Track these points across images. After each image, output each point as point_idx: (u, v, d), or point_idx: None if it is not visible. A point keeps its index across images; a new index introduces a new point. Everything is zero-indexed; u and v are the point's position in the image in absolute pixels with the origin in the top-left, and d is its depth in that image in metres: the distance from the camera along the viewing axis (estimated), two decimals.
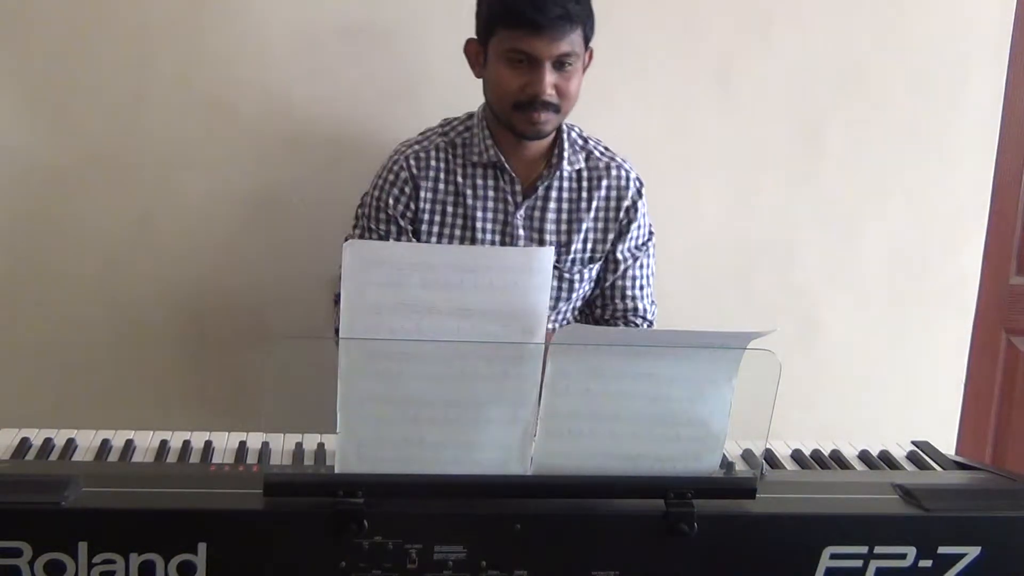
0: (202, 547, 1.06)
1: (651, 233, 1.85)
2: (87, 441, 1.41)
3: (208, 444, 1.42)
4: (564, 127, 1.75)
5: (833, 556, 1.15)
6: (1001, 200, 2.37)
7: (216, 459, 1.38)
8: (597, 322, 1.82)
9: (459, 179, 1.74)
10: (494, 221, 1.75)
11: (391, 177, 1.74)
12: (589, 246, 1.79)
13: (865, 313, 2.35)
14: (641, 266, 1.83)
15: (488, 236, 1.75)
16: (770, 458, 1.48)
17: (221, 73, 2.05)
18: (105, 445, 1.39)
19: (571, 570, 1.13)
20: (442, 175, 1.74)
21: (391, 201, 1.73)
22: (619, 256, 1.80)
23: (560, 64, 1.62)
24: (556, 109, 1.65)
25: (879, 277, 2.34)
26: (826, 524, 1.16)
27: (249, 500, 1.09)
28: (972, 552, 1.16)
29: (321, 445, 1.42)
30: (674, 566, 1.14)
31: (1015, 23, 2.28)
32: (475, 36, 1.70)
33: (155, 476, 1.27)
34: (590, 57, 1.71)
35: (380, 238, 1.74)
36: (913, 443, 1.55)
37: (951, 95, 2.28)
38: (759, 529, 1.15)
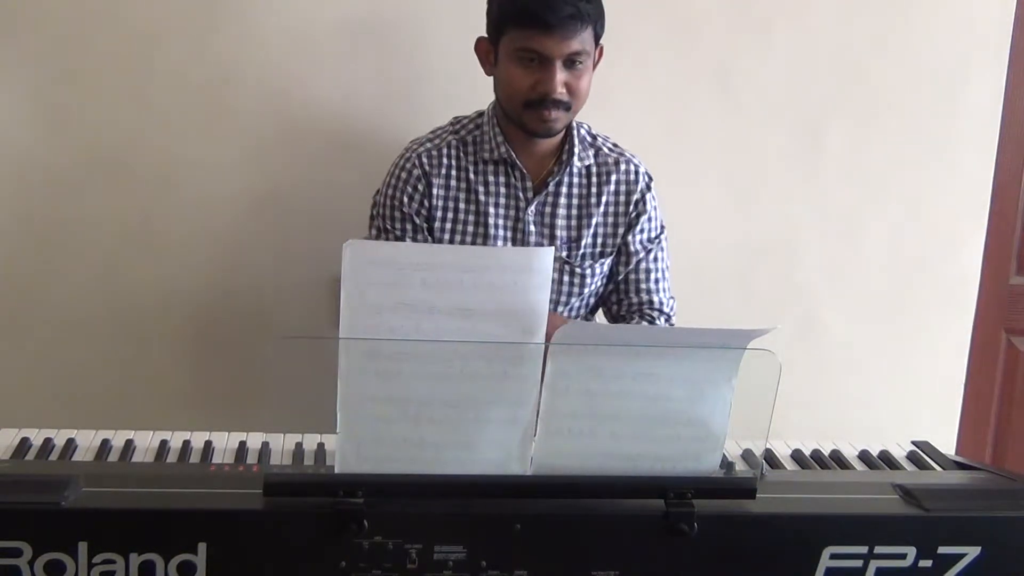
0: (202, 547, 1.06)
1: (663, 227, 1.86)
2: (87, 441, 1.40)
3: (208, 444, 1.42)
4: (573, 124, 1.76)
5: (833, 556, 1.15)
6: (1001, 200, 2.37)
7: (216, 459, 1.38)
8: (615, 318, 1.83)
9: (471, 176, 1.75)
10: (506, 217, 1.76)
11: (403, 175, 1.75)
12: (599, 240, 1.80)
13: (865, 313, 2.35)
14: (655, 259, 1.83)
15: (500, 232, 1.76)
16: (770, 458, 1.48)
17: (221, 73, 2.06)
18: (105, 445, 1.39)
19: (571, 570, 1.12)
20: (454, 172, 1.75)
21: (405, 199, 1.74)
22: (631, 249, 1.81)
23: (571, 62, 1.64)
24: (567, 107, 1.66)
25: (879, 277, 2.34)
26: (826, 524, 1.16)
27: (249, 500, 1.09)
28: (972, 552, 1.16)
29: (321, 445, 1.42)
30: (674, 566, 1.13)
31: (1015, 23, 2.28)
32: (485, 35, 1.71)
33: (155, 476, 1.27)
34: (600, 54, 1.72)
35: (397, 238, 1.75)
36: (913, 443, 1.55)
37: (951, 95, 2.28)
38: (759, 529, 1.15)
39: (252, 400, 2.04)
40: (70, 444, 1.39)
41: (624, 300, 1.82)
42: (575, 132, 1.77)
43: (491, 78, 1.74)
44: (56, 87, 2.02)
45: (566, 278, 1.79)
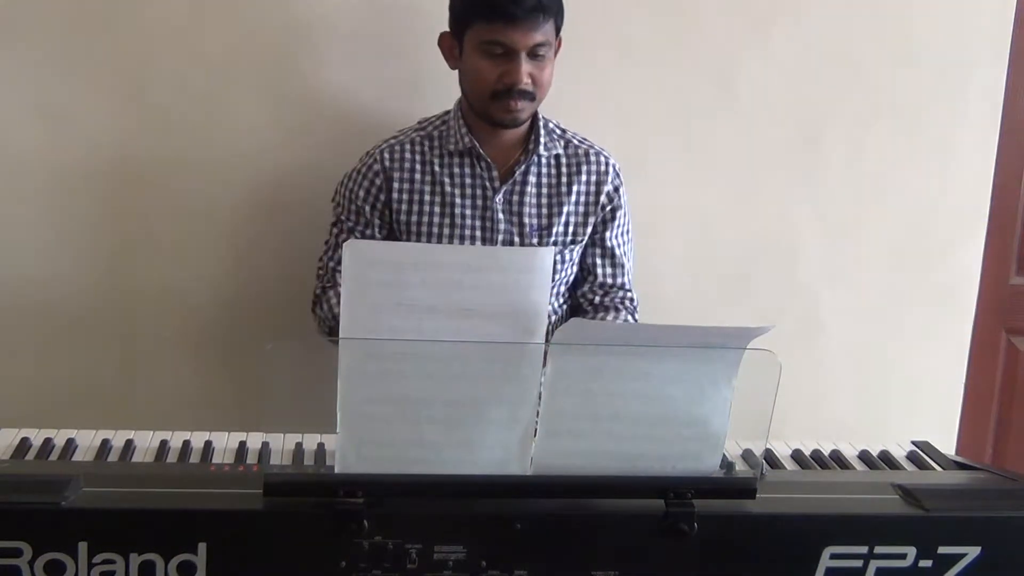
0: (202, 547, 1.06)
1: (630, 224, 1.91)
2: (87, 441, 1.41)
3: (208, 444, 1.42)
4: (540, 117, 1.80)
5: (833, 556, 1.15)
6: (1001, 200, 2.37)
7: (216, 459, 1.38)
8: (596, 309, 1.86)
9: (436, 168, 1.79)
10: (473, 207, 1.78)
11: (363, 169, 1.81)
12: (570, 229, 1.83)
13: (865, 313, 2.35)
14: (627, 254, 1.89)
15: (468, 222, 1.79)
16: (770, 458, 1.48)
17: (221, 73, 2.05)
18: (105, 445, 1.39)
19: (571, 570, 1.13)
20: (418, 166, 1.79)
21: (361, 193, 1.79)
22: (609, 243, 1.86)
23: (535, 54, 1.67)
24: (532, 97, 1.70)
25: (879, 277, 2.34)
26: (826, 524, 1.16)
27: (249, 500, 1.09)
28: (972, 552, 1.16)
29: (321, 445, 1.42)
30: (674, 566, 1.13)
31: (1015, 23, 2.28)
32: (448, 30, 1.75)
33: (155, 476, 1.27)
34: (559, 45, 1.75)
35: (349, 229, 1.81)
36: (913, 443, 1.55)
37: (951, 95, 2.28)
38: (759, 529, 1.15)
39: (252, 400, 2.04)
40: (70, 444, 1.39)
41: (609, 294, 1.86)
42: (542, 124, 1.80)
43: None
44: (56, 87, 2.02)
45: None
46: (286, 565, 1.09)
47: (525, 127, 1.79)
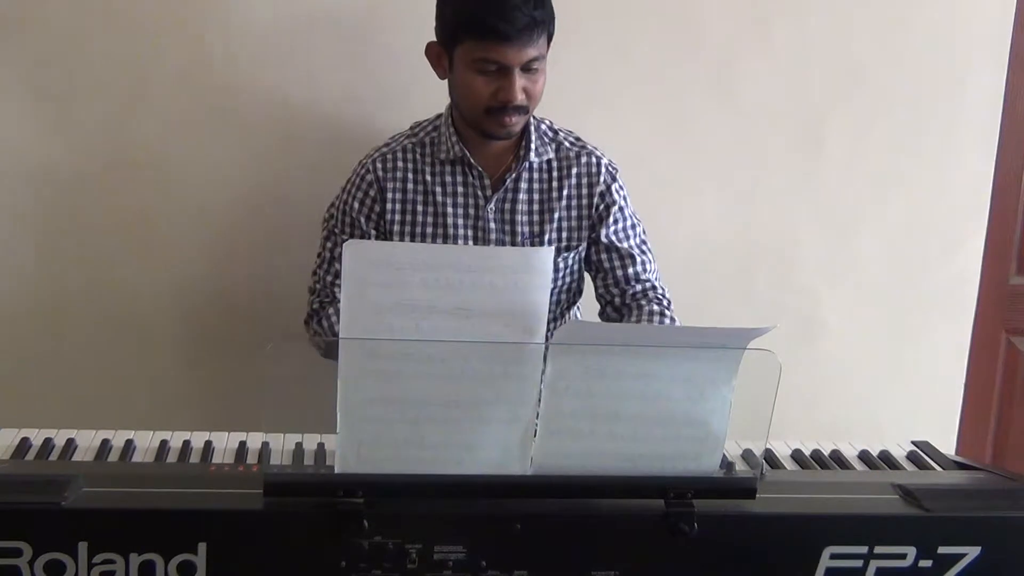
0: (202, 547, 1.06)
1: (636, 217, 1.86)
2: (87, 441, 1.41)
3: (208, 444, 1.42)
4: (533, 120, 1.77)
5: (833, 556, 1.15)
6: (1001, 200, 2.37)
7: (216, 459, 1.38)
8: (618, 310, 1.81)
9: (427, 177, 1.77)
10: (465, 216, 1.77)
11: (357, 181, 1.78)
12: (564, 235, 1.80)
13: (865, 313, 2.35)
14: (640, 248, 1.84)
15: (460, 231, 1.77)
16: (770, 458, 1.48)
17: (221, 73, 2.05)
18: (105, 445, 1.39)
19: (571, 570, 1.13)
20: (410, 175, 1.77)
21: (356, 205, 1.77)
22: (610, 240, 1.81)
23: (528, 67, 1.64)
24: (525, 111, 1.69)
25: (879, 277, 2.34)
26: (826, 524, 1.16)
27: (249, 500, 1.09)
28: (972, 552, 1.16)
29: (321, 445, 1.42)
30: (674, 566, 1.14)
31: (1015, 23, 2.28)
32: (435, 39, 1.72)
33: (155, 476, 1.27)
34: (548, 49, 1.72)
35: (336, 245, 1.78)
36: (913, 443, 1.55)
37: (951, 95, 2.28)
38: (759, 529, 1.15)
39: (252, 400, 2.04)
40: (70, 444, 1.39)
41: (628, 290, 1.81)
42: (534, 127, 1.77)
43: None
44: (56, 87, 2.02)
45: None
46: (286, 565, 1.09)
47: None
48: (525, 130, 1.76)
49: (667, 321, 1.76)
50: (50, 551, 1.04)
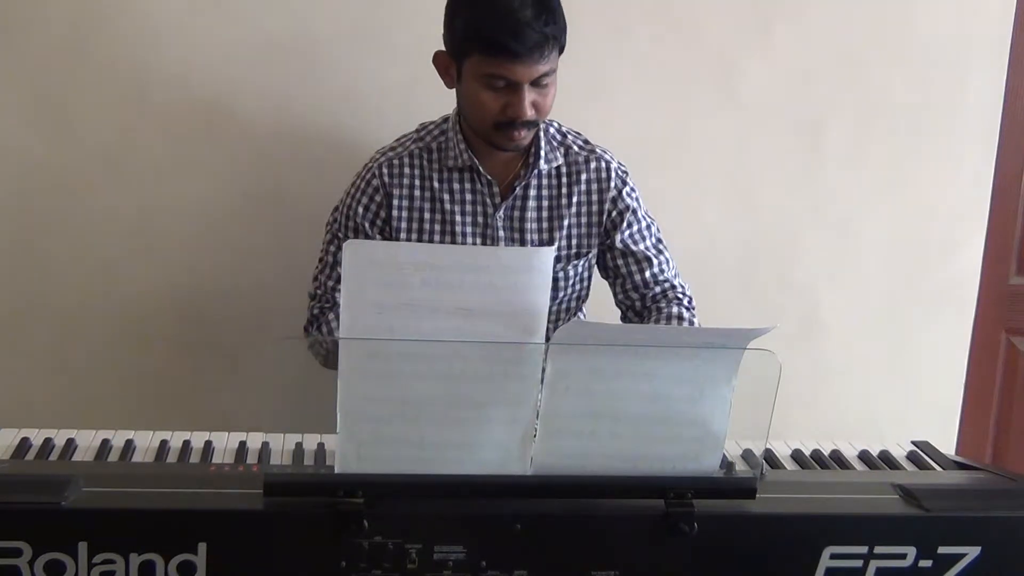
0: (202, 547, 1.06)
1: (650, 216, 1.84)
2: (87, 441, 1.41)
3: (208, 444, 1.42)
4: (541, 124, 1.74)
5: (833, 556, 1.15)
6: (1001, 200, 2.37)
7: (216, 459, 1.38)
8: (639, 314, 1.80)
9: (435, 184, 1.74)
10: (474, 224, 1.75)
11: (362, 185, 1.75)
12: (574, 242, 1.78)
13: (865, 313, 2.35)
14: (657, 248, 1.82)
15: (469, 239, 1.75)
16: (770, 458, 1.48)
17: (220, 73, 2.05)
18: (105, 445, 1.39)
19: (571, 570, 1.13)
20: (417, 181, 1.74)
21: (360, 210, 1.74)
22: (625, 244, 1.79)
23: (538, 82, 1.61)
24: (535, 124, 1.66)
25: (879, 277, 2.34)
26: (826, 524, 1.16)
27: (249, 500, 1.09)
28: (972, 552, 1.16)
29: (321, 445, 1.42)
30: (674, 566, 1.14)
31: (1015, 23, 2.28)
32: (444, 48, 1.68)
33: (155, 476, 1.27)
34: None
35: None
36: (913, 443, 1.55)
37: (951, 95, 2.28)
38: (759, 529, 1.15)
39: (252, 400, 2.04)
40: (70, 444, 1.39)
41: (647, 294, 1.80)
42: (543, 132, 1.75)
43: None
44: (56, 87, 2.02)
45: None
46: (286, 565, 1.09)
47: None
48: (535, 135, 1.74)
49: (687, 323, 1.74)
50: (50, 551, 1.04)
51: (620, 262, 1.80)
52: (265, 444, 1.42)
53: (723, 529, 1.13)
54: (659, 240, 1.83)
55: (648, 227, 1.82)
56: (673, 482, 1.13)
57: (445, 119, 1.78)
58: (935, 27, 2.24)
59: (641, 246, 1.80)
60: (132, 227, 2.09)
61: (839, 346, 2.34)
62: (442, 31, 1.68)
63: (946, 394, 2.42)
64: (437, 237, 1.75)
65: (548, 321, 1.16)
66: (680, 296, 1.80)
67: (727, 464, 1.30)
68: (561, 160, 1.77)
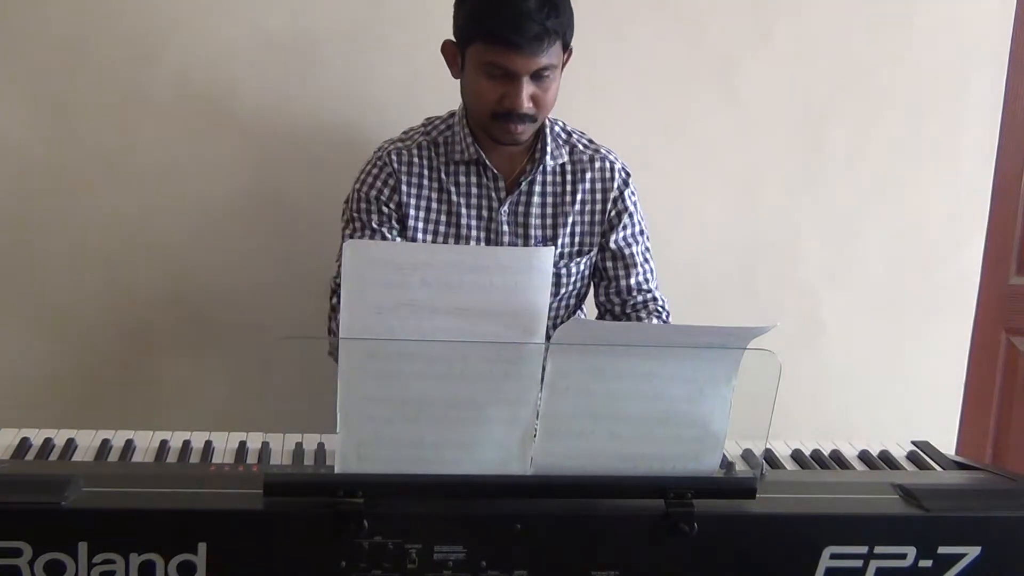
0: (202, 547, 1.06)
1: (644, 224, 1.85)
2: (87, 441, 1.41)
3: (208, 444, 1.42)
4: (547, 121, 1.75)
5: (833, 556, 1.15)
6: (1001, 200, 2.37)
7: (216, 459, 1.38)
8: (617, 319, 1.81)
9: (443, 176, 1.75)
10: (479, 218, 1.76)
11: (374, 171, 1.75)
12: (577, 239, 1.79)
13: (865, 313, 2.35)
14: (644, 256, 1.83)
15: (473, 232, 1.76)
16: (770, 458, 1.48)
17: (221, 73, 2.06)
18: (105, 445, 1.39)
19: (571, 570, 1.13)
20: (425, 172, 1.75)
21: (374, 192, 1.74)
22: (618, 246, 1.80)
23: (538, 76, 1.62)
24: (533, 119, 1.66)
25: (880, 277, 2.34)
26: (826, 524, 1.16)
27: (249, 500, 1.09)
28: (972, 552, 1.16)
29: (321, 445, 1.42)
30: (674, 566, 1.13)
31: (1015, 23, 2.28)
32: (452, 38, 1.70)
33: (155, 476, 1.27)
34: (568, 56, 1.70)
35: (364, 226, 1.73)
36: (913, 443, 1.55)
37: (951, 95, 2.28)
38: (759, 529, 1.15)
39: (252, 400, 2.04)
40: (70, 444, 1.39)
41: (628, 300, 1.81)
42: (548, 129, 1.76)
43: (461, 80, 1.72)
44: (56, 87, 2.02)
45: None
46: (286, 565, 1.09)
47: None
48: (540, 132, 1.75)
49: None
50: (50, 551, 1.04)
51: (609, 264, 1.81)
52: (265, 444, 1.42)
53: (723, 529, 1.13)
54: (648, 249, 1.85)
55: (641, 232, 1.83)
56: (673, 482, 1.13)
57: (451, 114, 1.79)
58: (935, 27, 2.24)
59: (631, 251, 1.81)
60: (132, 227, 2.09)
61: (839, 346, 2.35)
62: (444, 26, 1.68)
63: (946, 394, 2.42)
64: (443, 228, 1.76)
65: (548, 318, 1.16)
66: (659, 309, 1.81)
67: (727, 464, 1.29)
68: (566, 158, 1.78)
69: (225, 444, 1.42)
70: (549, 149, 1.75)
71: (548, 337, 1.14)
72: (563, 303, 1.83)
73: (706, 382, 1.15)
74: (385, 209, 1.74)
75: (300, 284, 2.09)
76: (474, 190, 1.75)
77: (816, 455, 1.52)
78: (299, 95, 2.08)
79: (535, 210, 1.77)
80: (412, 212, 1.75)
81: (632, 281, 1.80)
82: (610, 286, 1.82)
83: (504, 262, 1.15)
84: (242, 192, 2.11)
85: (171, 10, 2.02)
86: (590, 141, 1.83)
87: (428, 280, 1.12)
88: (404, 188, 1.74)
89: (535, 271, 1.14)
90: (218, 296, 2.14)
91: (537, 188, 1.77)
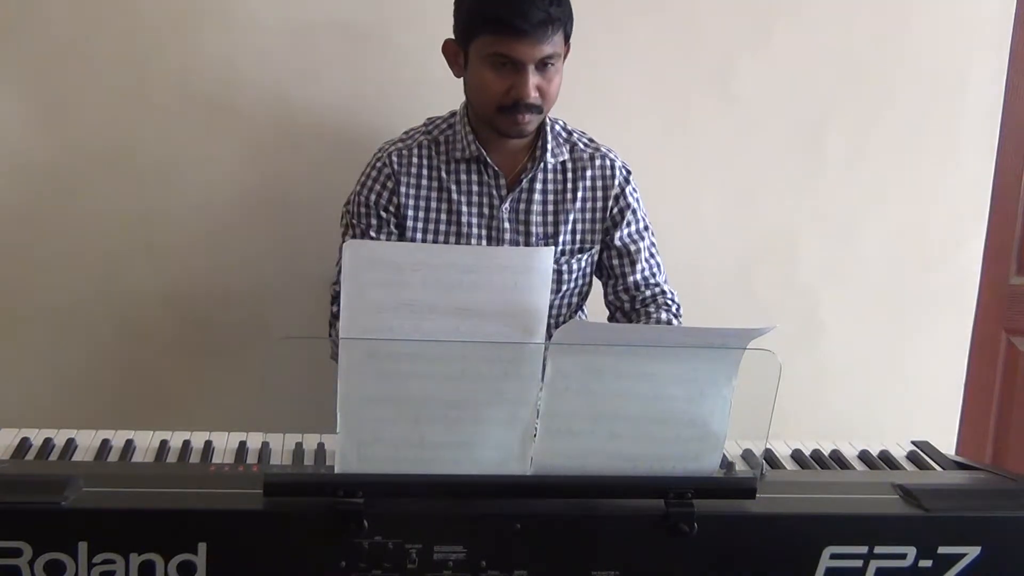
0: (202, 547, 1.06)
1: (647, 221, 1.85)
2: (87, 441, 1.41)
3: (208, 444, 1.42)
4: (548, 120, 1.76)
5: (833, 556, 1.15)
6: (1001, 200, 2.37)
7: (216, 459, 1.38)
8: (627, 316, 1.81)
9: (443, 175, 1.76)
10: (480, 215, 1.76)
11: (373, 173, 1.76)
12: (578, 237, 1.80)
13: (865, 313, 2.35)
14: (650, 251, 1.83)
15: (474, 230, 1.76)
16: (770, 458, 1.48)
17: (221, 73, 2.06)
18: (105, 445, 1.39)
19: (571, 570, 1.13)
20: (425, 171, 1.76)
21: (373, 196, 1.75)
22: (623, 243, 1.80)
23: (543, 65, 1.64)
24: (539, 110, 1.67)
25: (879, 277, 2.34)
26: (826, 524, 1.16)
27: (249, 500, 1.09)
28: (972, 552, 1.16)
29: (321, 445, 1.42)
30: (674, 566, 1.14)
31: (1015, 23, 2.28)
32: (453, 36, 1.71)
33: (155, 476, 1.27)
34: (567, 51, 1.71)
35: (362, 232, 1.75)
36: (913, 443, 1.55)
37: (951, 95, 2.28)
38: (759, 529, 1.15)
39: (252, 400, 2.04)
40: (70, 444, 1.39)
41: (637, 296, 1.81)
42: (549, 128, 1.77)
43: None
44: (56, 87, 2.02)
45: None
46: (286, 565, 1.09)
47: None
48: (541, 130, 1.76)
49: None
50: (50, 551, 1.04)
51: (616, 261, 1.81)
52: (265, 444, 1.42)
53: (723, 529, 1.13)
54: (653, 244, 1.85)
55: (646, 228, 1.84)
56: (673, 482, 1.13)
57: (452, 113, 1.80)
58: (935, 27, 2.24)
59: (636, 247, 1.81)
60: (132, 227, 2.09)
61: (839, 346, 2.34)
62: (446, 25, 1.69)
63: (946, 394, 2.42)
64: (443, 227, 1.76)
65: (549, 316, 1.16)
66: (669, 303, 1.81)
67: (727, 464, 1.30)
68: (567, 156, 1.79)
69: (225, 444, 1.42)
70: (550, 147, 1.76)
71: (549, 336, 1.14)
72: (565, 300, 1.83)
73: (706, 382, 1.15)
74: (383, 214, 1.75)
75: (301, 284, 2.09)
76: (475, 188, 1.76)
77: (816, 455, 1.52)
78: (300, 95, 2.08)
79: (536, 207, 1.78)
80: (411, 212, 1.75)
81: (639, 277, 1.81)
82: (617, 283, 1.82)
83: (504, 262, 1.15)
84: (242, 192, 2.11)
85: (171, 10, 2.02)
86: (591, 140, 1.83)
87: (428, 280, 1.12)
88: (403, 189, 1.74)
89: (535, 271, 1.14)
90: (218, 296, 2.14)
91: (538, 186, 1.77)
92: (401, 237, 1.76)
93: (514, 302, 1.13)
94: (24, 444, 1.38)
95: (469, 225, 1.76)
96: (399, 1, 2.07)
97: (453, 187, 1.75)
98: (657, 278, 1.83)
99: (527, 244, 1.77)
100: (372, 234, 1.74)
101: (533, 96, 1.63)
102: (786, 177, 2.27)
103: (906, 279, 2.34)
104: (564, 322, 1.83)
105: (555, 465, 1.15)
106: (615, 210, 1.80)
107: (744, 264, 2.29)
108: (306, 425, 1.43)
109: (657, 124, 2.20)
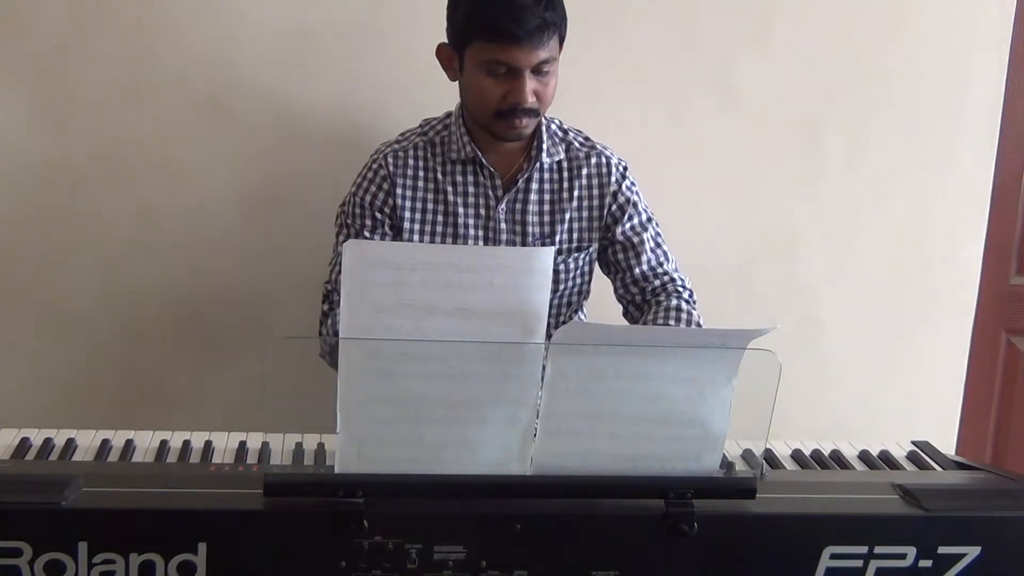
0: (202, 547, 1.06)
1: (649, 211, 1.85)
2: (87, 441, 1.41)
3: (208, 444, 1.42)
4: (543, 119, 1.76)
5: (833, 556, 1.15)
6: (1001, 200, 2.37)
7: (216, 459, 1.38)
8: (640, 308, 1.81)
9: (439, 176, 1.76)
10: (476, 216, 1.76)
11: (369, 175, 1.77)
12: (575, 235, 1.80)
13: (865, 313, 2.35)
14: (656, 241, 1.83)
15: (471, 231, 1.76)
16: (770, 458, 1.48)
17: (221, 73, 2.06)
18: (105, 445, 1.39)
19: (571, 570, 1.13)
20: (421, 173, 1.76)
21: (369, 198, 1.75)
22: (631, 239, 1.80)
23: (539, 70, 1.63)
24: (536, 114, 1.67)
25: (879, 277, 2.34)
26: (826, 524, 1.16)
27: (249, 500, 1.09)
28: (972, 552, 1.16)
29: (321, 445, 1.42)
30: (674, 566, 1.14)
31: (1015, 23, 2.28)
32: (447, 41, 1.70)
33: (155, 476, 1.27)
34: (561, 50, 1.71)
35: (356, 232, 1.75)
36: (913, 443, 1.56)
37: (951, 95, 2.28)
38: (759, 529, 1.15)
39: (252, 400, 2.04)
40: (70, 444, 1.39)
41: (647, 287, 1.80)
42: (544, 127, 1.77)
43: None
44: (56, 87, 2.02)
45: None
46: (286, 565, 1.09)
47: None
48: (536, 130, 1.76)
49: (686, 315, 1.73)
50: (50, 551, 1.04)
51: (621, 256, 1.81)
52: (265, 444, 1.42)
53: (723, 529, 1.13)
54: (658, 234, 1.85)
55: (649, 220, 1.83)
56: (673, 482, 1.13)
57: (448, 114, 1.80)
58: (935, 27, 2.24)
59: (640, 238, 1.81)
60: (132, 227, 2.09)
61: (839, 346, 2.34)
62: (444, 26, 1.69)
63: (946, 394, 2.42)
64: (440, 228, 1.77)
65: (548, 315, 1.16)
66: (680, 289, 1.81)
67: (727, 464, 1.29)
68: (563, 155, 1.79)
69: (225, 444, 1.42)
70: (545, 147, 1.76)
71: (548, 335, 1.14)
72: (564, 299, 1.83)
73: (706, 382, 1.15)
74: (378, 215, 1.75)
75: (300, 284, 2.09)
76: (471, 189, 1.76)
77: (816, 455, 1.52)
78: (299, 95, 2.08)
79: (532, 207, 1.78)
80: (408, 214, 1.75)
81: (645, 267, 1.80)
82: (625, 277, 1.81)
83: (504, 262, 1.15)
84: (242, 192, 2.11)
85: (171, 10, 2.02)
86: (586, 138, 1.83)
87: (427, 280, 1.12)
88: (399, 191, 1.75)
89: (535, 271, 1.14)
90: (218, 296, 2.14)
91: (534, 186, 1.77)
92: (398, 238, 1.76)
93: (514, 302, 1.13)
94: (24, 444, 1.38)
95: (465, 226, 1.76)
96: (396, 3, 2.07)
97: (449, 188, 1.75)
98: (665, 267, 1.82)
99: (524, 244, 1.77)
100: (366, 235, 1.75)
101: (530, 101, 1.64)
102: (786, 177, 2.27)
103: (906, 279, 2.34)
104: (564, 322, 1.83)
105: (555, 465, 1.15)
106: (614, 207, 1.80)
107: (744, 264, 2.29)
108: (306, 425, 1.43)
109: (657, 124, 2.20)
